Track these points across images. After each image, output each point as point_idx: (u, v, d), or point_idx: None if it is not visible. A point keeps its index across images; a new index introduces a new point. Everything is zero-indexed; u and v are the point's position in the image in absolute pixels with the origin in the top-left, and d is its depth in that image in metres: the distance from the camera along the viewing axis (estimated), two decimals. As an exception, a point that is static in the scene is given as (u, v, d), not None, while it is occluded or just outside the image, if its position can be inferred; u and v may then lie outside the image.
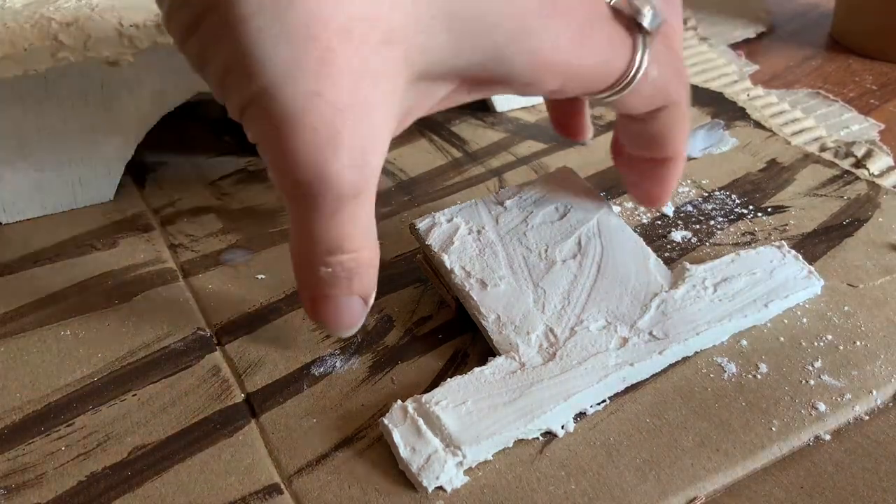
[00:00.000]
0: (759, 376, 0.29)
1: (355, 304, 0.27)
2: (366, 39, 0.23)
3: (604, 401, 0.28)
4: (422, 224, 0.33)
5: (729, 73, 0.50)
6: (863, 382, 0.29)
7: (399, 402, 0.27)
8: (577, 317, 0.30)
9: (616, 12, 0.27)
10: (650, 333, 0.29)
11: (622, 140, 0.33)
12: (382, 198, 0.40)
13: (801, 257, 0.33)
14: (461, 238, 0.33)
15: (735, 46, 0.54)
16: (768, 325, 0.31)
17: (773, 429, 0.27)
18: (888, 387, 0.29)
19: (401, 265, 0.35)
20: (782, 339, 0.31)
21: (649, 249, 0.32)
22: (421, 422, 0.26)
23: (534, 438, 0.27)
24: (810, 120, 0.45)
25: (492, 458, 0.26)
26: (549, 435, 0.27)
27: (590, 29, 0.26)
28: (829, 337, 0.31)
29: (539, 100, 0.48)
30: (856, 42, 0.53)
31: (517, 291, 0.31)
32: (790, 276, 0.32)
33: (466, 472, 0.26)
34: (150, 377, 0.30)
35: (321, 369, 0.30)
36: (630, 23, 0.27)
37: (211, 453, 0.27)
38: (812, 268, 0.32)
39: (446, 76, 0.26)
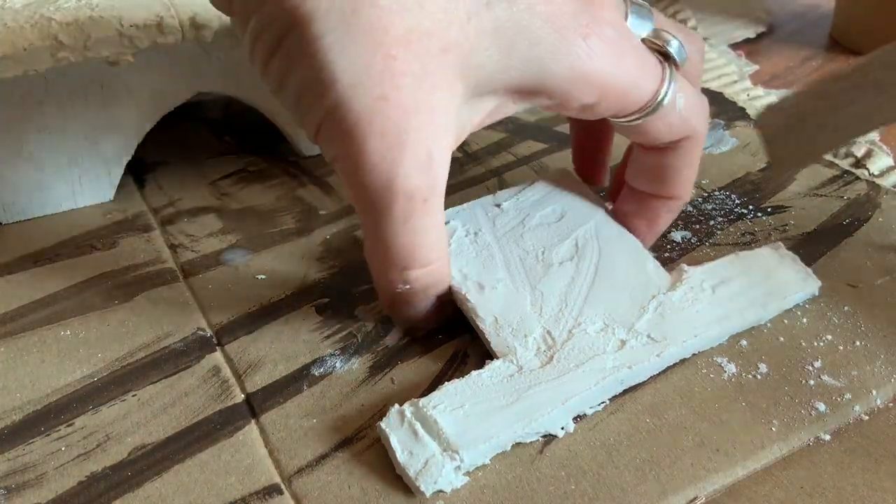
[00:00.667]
0: (759, 376, 0.29)
1: (433, 311, 0.30)
2: (425, 48, 0.25)
3: (603, 402, 0.28)
4: None
5: (729, 73, 0.50)
6: (863, 382, 0.29)
7: (396, 405, 0.27)
8: (575, 319, 0.30)
9: (646, 43, 0.29)
10: (648, 336, 0.29)
11: (630, 174, 0.33)
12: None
13: (798, 259, 0.32)
14: (458, 240, 0.33)
15: (735, 46, 0.54)
16: (768, 325, 0.31)
17: (773, 429, 0.27)
18: (888, 387, 0.29)
19: (401, 265, 0.35)
20: (782, 339, 0.31)
21: (647, 252, 0.32)
22: (418, 426, 0.26)
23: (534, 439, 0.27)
24: (810, 120, 0.45)
25: (489, 461, 0.26)
26: (549, 435, 0.27)
27: (623, 51, 0.28)
28: (829, 337, 0.31)
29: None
30: (856, 42, 0.53)
31: (514, 294, 0.31)
32: (788, 278, 0.32)
33: (466, 473, 0.26)
34: (150, 377, 0.30)
35: (321, 369, 0.30)
36: (659, 54, 0.29)
37: (211, 453, 0.27)
38: (810, 269, 0.32)
39: (496, 89, 0.27)
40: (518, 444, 0.27)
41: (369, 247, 0.28)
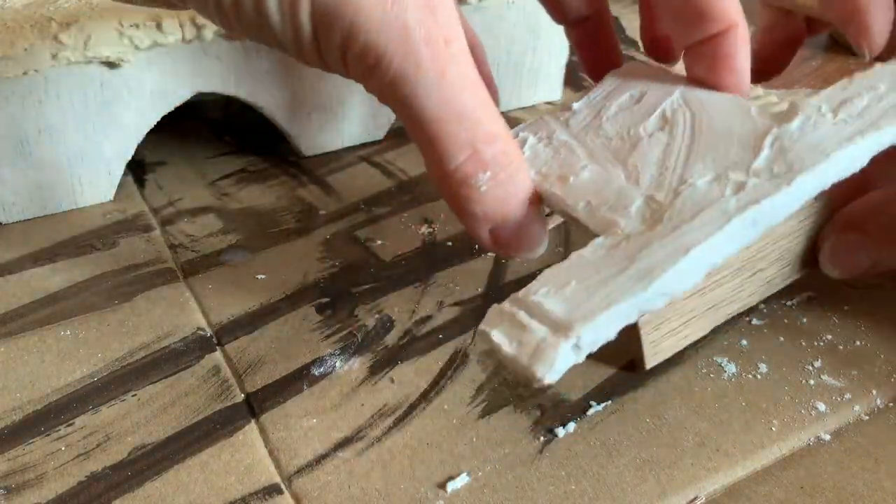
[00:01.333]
0: (758, 376, 0.29)
1: (533, 213, 0.27)
2: None
3: (605, 400, 0.28)
4: None
5: (729, 73, 0.50)
6: (863, 382, 0.29)
7: (494, 305, 0.23)
8: (680, 177, 0.26)
9: None
10: (771, 171, 0.25)
11: (676, 39, 0.31)
12: (383, 198, 0.40)
13: None
14: (531, 147, 0.29)
15: (735, 46, 0.54)
16: (768, 324, 0.31)
17: (773, 429, 0.27)
18: (888, 387, 0.29)
19: (401, 265, 0.35)
20: (782, 338, 0.31)
21: (746, 100, 0.29)
22: (522, 314, 0.23)
23: (534, 439, 0.27)
24: (810, 120, 0.45)
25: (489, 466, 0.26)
26: (550, 434, 0.27)
27: None
28: (829, 337, 0.31)
29: (538, 99, 0.48)
30: (856, 42, 0.53)
31: (604, 174, 0.27)
32: None
33: (467, 473, 0.26)
34: (150, 377, 0.30)
35: (321, 369, 0.30)
36: None
37: (211, 453, 0.27)
38: None
39: None
40: (519, 440, 0.27)
41: (429, 156, 0.26)
